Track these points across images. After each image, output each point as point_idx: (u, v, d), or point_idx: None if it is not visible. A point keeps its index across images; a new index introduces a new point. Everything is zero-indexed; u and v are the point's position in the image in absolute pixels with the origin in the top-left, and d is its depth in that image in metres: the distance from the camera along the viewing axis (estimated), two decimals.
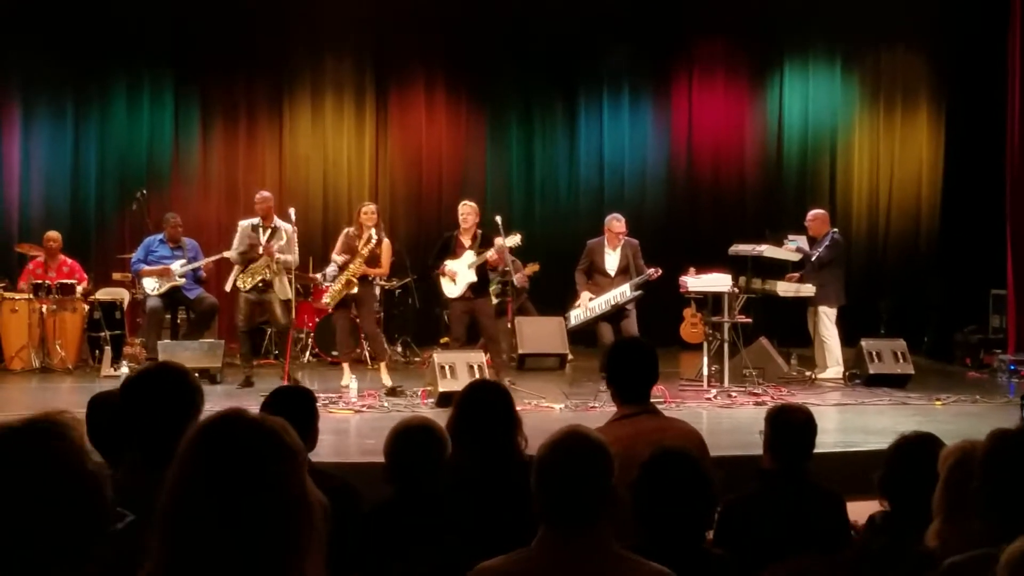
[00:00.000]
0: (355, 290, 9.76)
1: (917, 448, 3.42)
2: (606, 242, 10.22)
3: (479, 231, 9.89)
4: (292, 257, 10.09)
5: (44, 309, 10.95)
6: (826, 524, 3.71)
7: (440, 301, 10.53)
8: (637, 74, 14.68)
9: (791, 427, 3.81)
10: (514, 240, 9.87)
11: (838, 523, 3.79)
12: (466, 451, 3.67)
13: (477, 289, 9.80)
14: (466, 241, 9.85)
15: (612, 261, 10.16)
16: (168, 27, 13.44)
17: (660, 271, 10.07)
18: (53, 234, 11.68)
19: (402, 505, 3.46)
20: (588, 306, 10.08)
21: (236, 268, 10.17)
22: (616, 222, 10.21)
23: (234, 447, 1.74)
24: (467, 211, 9.91)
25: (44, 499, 1.65)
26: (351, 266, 9.73)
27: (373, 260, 9.80)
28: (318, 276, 12.05)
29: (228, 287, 10.28)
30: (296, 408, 3.70)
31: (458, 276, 9.75)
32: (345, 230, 10.07)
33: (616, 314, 9.97)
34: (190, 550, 1.70)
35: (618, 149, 14.67)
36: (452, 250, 9.85)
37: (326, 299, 10.11)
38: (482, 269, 9.83)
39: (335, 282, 9.89)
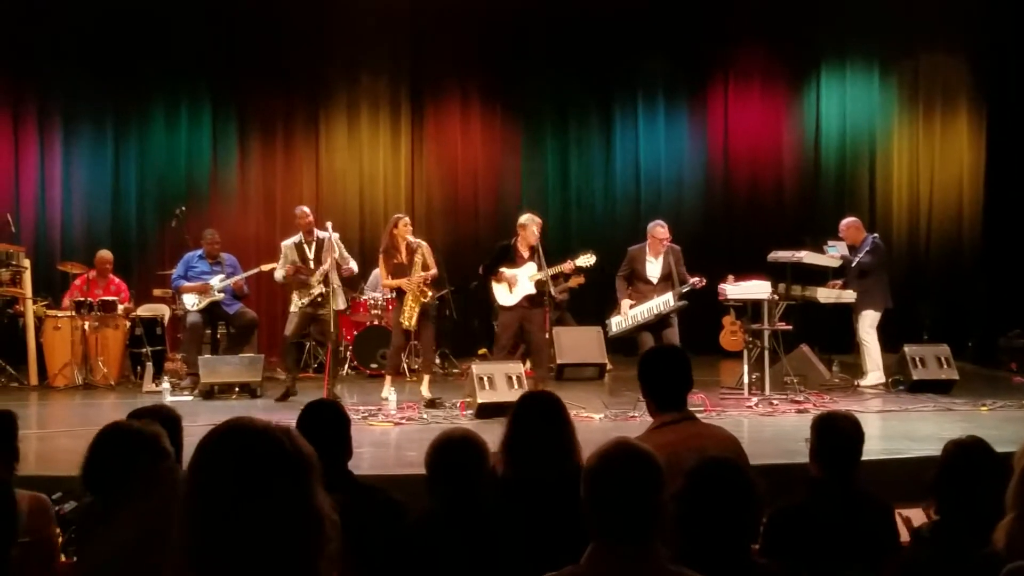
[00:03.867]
0: (429, 296, 9.83)
1: (969, 453, 3.37)
2: (648, 249, 10.10)
3: (538, 244, 9.88)
4: (354, 263, 10.26)
5: (86, 326, 11.05)
6: (875, 533, 3.65)
7: (491, 309, 10.44)
8: (672, 81, 14.65)
9: (838, 435, 3.75)
10: (588, 260, 9.88)
11: (887, 532, 3.73)
12: (521, 463, 3.63)
13: (532, 300, 9.78)
14: (524, 252, 9.83)
15: (654, 268, 10.04)
16: (205, 45, 13.59)
17: (704, 281, 9.98)
18: (107, 255, 11.79)
19: (444, 516, 3.45)
20: (629, 314, 9.99)
21: (293, 290, 10.21)
22: (660, 228, 10.09)
23: (238, 456, 1.74)
24: (535, 225, 9.85)
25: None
26: (413, 278, 9.73)
27: (424, 266, 9.86)
28: (355, 293, 12.09)
29: (293, 307, 10.27)
30: (329, 422, 3.70)
31: (517, 285, 9.73)
32: (380, 253, 10.02)
33: (658, 323, 9.86)
34: (203, 557, 1.70)
35: (654, 157, 14.63)
36: (511, 259, 9.83)
37: (406, 322, 9.77)
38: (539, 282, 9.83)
39: (403, 301, 9.83)
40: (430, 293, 9.85)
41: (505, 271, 9.76)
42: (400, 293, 9.89)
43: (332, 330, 10.00)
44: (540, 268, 9.68)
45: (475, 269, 12.75)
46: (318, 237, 10.15)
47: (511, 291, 9.76)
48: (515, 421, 3.79)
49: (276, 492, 1.72)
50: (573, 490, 2.63)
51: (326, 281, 9.95)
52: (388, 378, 10.02)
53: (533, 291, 9.72)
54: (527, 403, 3.92)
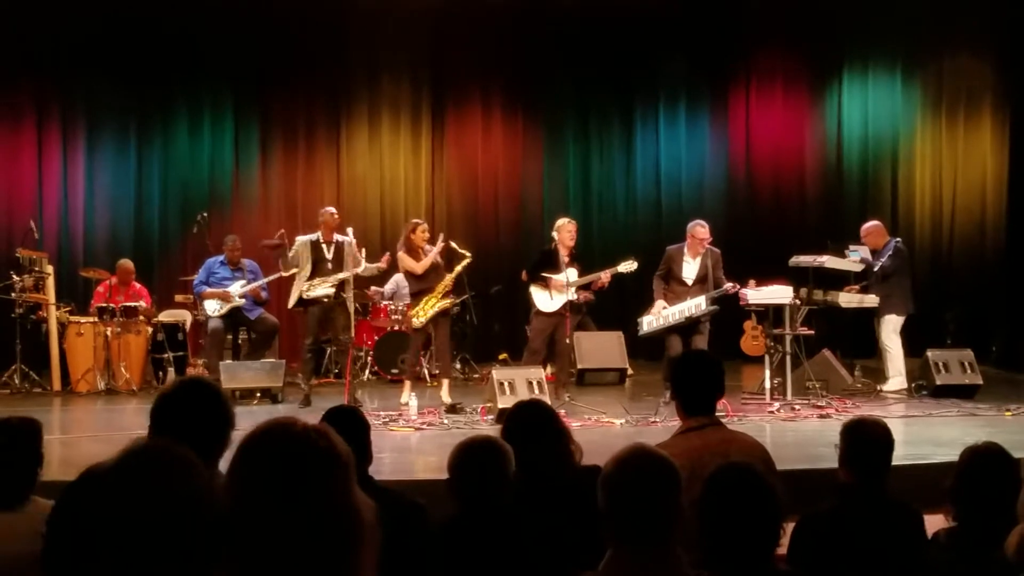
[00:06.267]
0: (448, 302, 9.88)
1: (986, 460, 3.35)
2: (687, 249, 9.98)
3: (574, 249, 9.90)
4: (372, 265, 10.29)
5: (109, 332, 11.10)
6: (905, 541, 3.60)
7: (529, 314, 10.38)
8: (694, 84, 14.62)
9: (868, 441, 3.71)
10: (629, 267, 9.91)
11: (917, 540, 3.68)
12: (521, 473, 3.64)
13: (569, 306, 9.78)
14: (566, 256, 9.83)
15: (691, 269, 9.93)
16: (227, 52, 13.65)
17: (737, 286, 9.90)
18: (129, 265, 11.82)
19: (469, 521, 3.45)
20: (662, 314, 9.87)
21: (297, 285, 10.19)
22: (700, 228, 9.97)
23: (281, 455, 1.75)
24: (572, 228, 9.88)
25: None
26: (439, 286, 9.76)
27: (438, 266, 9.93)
28: (375, 295, 12.11)
29: (291, 304, 10.30)
30: (348, 427, 3.71)
31: (561, 292, 9.74)
32: (401, 254, 10.01)
33: (689, 327, 9.74)
34: (242, 556, 1.72)
35: (675, 161, 14.60)
36: (554, 264, 9.82)
37: (420, 319, 9.82)
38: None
39: (426, 300, 9.83)
40: (449, 300, 9.89)
41: (552, 277, 9.75)
42: (421, 293, 9.89)
43: (341, 331, 10.04)
44: (581, 273, 9.76)
45: (496, 274, 12.83)
46: (338, 240, 10.15)
47: (552, 297, 9.75)
48: (505, 434, 3.80)
49: (315, 491, 1.74)
50: (573, 496, 2.63)
51: (341, 286, 9.98)
52: (407, 383, 10.03)
53: (574, 297, 9.73)
54: (514, 415, 3.95)
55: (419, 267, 9.88)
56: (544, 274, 9.78)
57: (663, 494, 2.53)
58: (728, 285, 9.81)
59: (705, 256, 9.92)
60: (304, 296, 10.01)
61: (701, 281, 9.87)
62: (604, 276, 9.90)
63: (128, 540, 1.69)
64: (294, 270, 10.15)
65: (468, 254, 10.00)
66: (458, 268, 9.90)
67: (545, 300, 9.81)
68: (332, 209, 10.44)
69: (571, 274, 9.74)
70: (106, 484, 1.75)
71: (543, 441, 3.77)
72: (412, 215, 13.52)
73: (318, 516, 1.73)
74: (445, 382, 9.95)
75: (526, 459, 3.65)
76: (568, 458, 3.80)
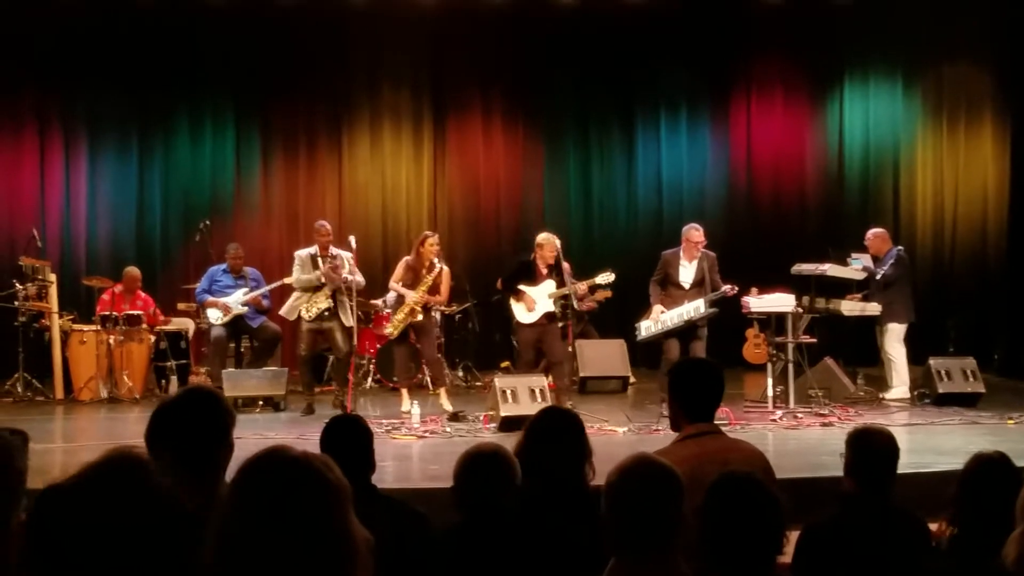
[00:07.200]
0: (419, 318, 9.83)
1: (990, 467, 3.35)
2: (682, 253, 9.92)
3: (559, 260, 9.89)
4: (360, 279, 10.26)
5: (111, 340, 11.10)
6: (910, 550, 3.59)
7: (511, 325, 10.39)
8: (695, 93, 14.61)
9: (874, 450, 3.70)
10: (607, 278, 9.95)
11: (922, 549, 3.67)
12: (531, 479, 3.61)
13: (551, 316, 9.78)
14: (543, 269, 9.82)
15: (687, 273, 9.87)
16: (229, 60, 13.67)
17: (736, 289, 9.87)
18: (135, 272, 11.83)
19: (473, 530, 3.44)
20: (660, 319, 9.81)
21: (297, 297, 10.24)
22: (695, 232, 9.91)
23: (277, 485, 1.75)
24: (555, 246, 9.82)
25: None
26: (414, 295, 9.77)
27: (433, 288, 9.87)
28: (378, 303, 12.11)
29: (292, 316, 10.36)
30: (351, 436, 3.71)
31: (537, 304, 9.73)
32: (404, 259, 10.12)
33: (687, 332, 9.69)
34: None
35: (676, 169, 14.59)
36: (531, 276, 9.82)
37: (388, 328, 10.15)
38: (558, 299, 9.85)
39: (397, 311, 9.93)
40: (420, 316, 9.86)
41: (525, 290, 9.73)
42: (398, 303, 9.95)
43: (340, 344, 10.09)
44: (559, 285, 9.72)
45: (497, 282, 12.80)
46: (332, 254, 10.20)
47: (531, 310, 9.74)
48: (528, 436, 3.75)
49: (312, 520, 1.73)
50: (579, 510, 2.63)
51: (333, 296, 10.06)
52: (404, 391, 10.05)
53: (552, 308, 9.73)
54: (543, 419, 3.85)
55: (392, 284, 10.04)
56: (521, 288, 9.78)
57: (665, 503, 2.54)
58: (727, 287, 9.76)
59: (701, 260, 9.89)
60: (306, 319, 10.11)
61: (698, 285, 9.83)
62: (581, 287, 9.93)
63: (90, 550, 1.69)
64: (308, 277, 10.22)
65: (444, 267, 10.00)
66: (428, 279, 9.85)
67: (522, 311, 9.79)
68: (324, 225, 10.48)
69: (549, 286, 9.74)
70: (62, 499, 1.76)
71: (566, 449, 3.67)
72: (414, 224, 13.58)
73: (314, 544, 1.72)
74: (442, 390, 9.99)
75: (544, 464, 3.61)
76: (583, 475, 3.70)
